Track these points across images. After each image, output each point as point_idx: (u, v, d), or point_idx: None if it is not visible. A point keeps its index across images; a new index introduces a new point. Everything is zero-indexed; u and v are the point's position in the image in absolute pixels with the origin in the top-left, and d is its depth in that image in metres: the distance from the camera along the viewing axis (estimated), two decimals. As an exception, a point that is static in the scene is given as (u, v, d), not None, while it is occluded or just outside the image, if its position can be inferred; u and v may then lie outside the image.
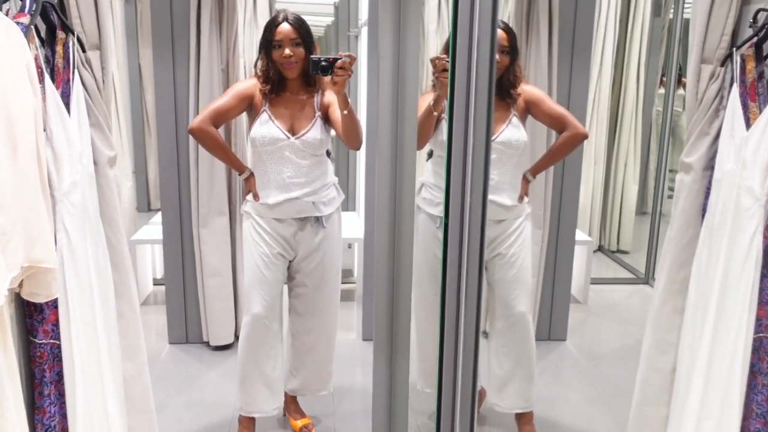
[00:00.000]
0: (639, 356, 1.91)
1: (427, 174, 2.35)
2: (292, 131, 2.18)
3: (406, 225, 2.23)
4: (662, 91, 5.66)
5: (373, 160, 3.11)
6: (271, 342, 2.28)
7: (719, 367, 1.61)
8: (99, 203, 1.62)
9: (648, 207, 5.64)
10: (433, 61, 1.95)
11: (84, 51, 1.59)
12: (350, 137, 2.15)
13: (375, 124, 2.98)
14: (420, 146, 2.21)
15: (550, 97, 2.57)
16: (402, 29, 2.09)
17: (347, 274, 4.17)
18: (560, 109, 2.31)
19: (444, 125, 2.18)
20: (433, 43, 4.48)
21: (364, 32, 3.44)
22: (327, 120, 2.24)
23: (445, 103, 2.02)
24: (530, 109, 2.30)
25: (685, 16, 4.28)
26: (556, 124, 2.30)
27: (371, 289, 3.24)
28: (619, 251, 5.01)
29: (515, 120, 2.25)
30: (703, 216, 1.74)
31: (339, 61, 1.94)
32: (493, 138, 2.26)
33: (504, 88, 2.23)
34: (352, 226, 3.90)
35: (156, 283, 3.94)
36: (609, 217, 5.05)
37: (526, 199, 2.34)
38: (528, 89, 2.30)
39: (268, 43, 2.14)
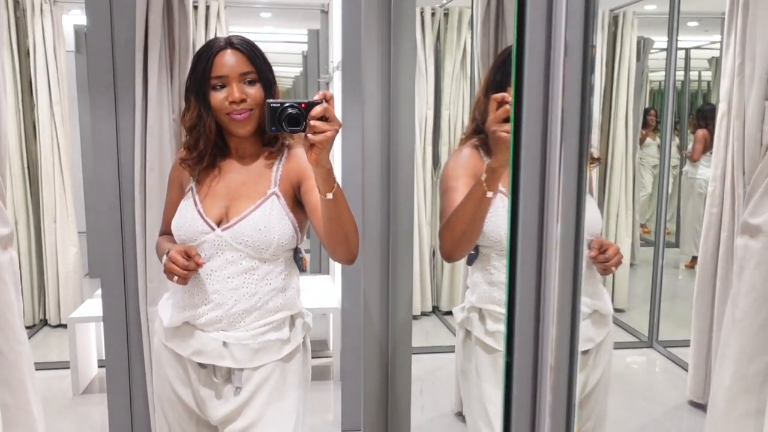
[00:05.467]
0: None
1: (473, 289, 1.56)
2: (226, 218, 1.40)
3: (402, 300, 1.82)
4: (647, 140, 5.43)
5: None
6: None
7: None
8: (-19, 299, 1.18)
9: (634, 259, 5.33)
10: (494, 103, 1.24)
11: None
12: (335, 240, 1.31)
13: (353, 179, 2.59)
14: (465, 251, 1.48)
15: None
16: (393, 60, 1.72)
17: (322, 347, 3.71)
18: None
19: (498, 203, 1.43)
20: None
21: (337, 77, 3.09)
22: (294, 202, 1.43)
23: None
24: None
25: (680, 45, 4.06)
26: None
27: (351, 368, 2.78)
28: (615, 310, 4.65)
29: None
30: (782, 293, 1.36)
31: (317, 107, 1.17)
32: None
33: None
34: (326, 293, 3.46)
35: (102, 364, 3.42)
36: (603, 272, 4.71)
37: (604, 294, 1.66)
38: None
39: (203, 81, 1.36)
